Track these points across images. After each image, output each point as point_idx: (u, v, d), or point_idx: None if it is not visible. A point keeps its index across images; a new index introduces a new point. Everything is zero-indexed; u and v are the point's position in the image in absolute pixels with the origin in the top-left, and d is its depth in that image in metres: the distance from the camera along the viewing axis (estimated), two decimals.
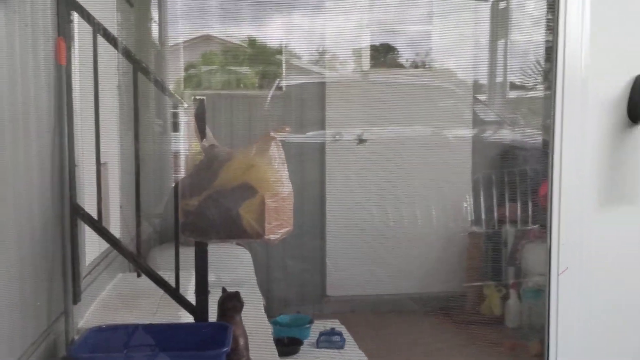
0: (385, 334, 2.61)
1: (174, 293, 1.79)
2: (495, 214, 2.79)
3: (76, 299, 1.68)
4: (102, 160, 1.85)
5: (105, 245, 1.90)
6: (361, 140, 2.85)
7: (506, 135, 3.01)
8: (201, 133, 1.92)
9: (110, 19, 2.15)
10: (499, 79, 3.11)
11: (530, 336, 2.39)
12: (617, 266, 1.27)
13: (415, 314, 2.79)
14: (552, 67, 1.24)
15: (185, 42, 2.72)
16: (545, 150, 1.28)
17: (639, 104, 1.21)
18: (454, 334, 2.58)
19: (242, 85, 3.05)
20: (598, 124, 1.25)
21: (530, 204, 2.65)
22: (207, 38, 2.95)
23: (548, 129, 1.28)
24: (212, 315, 1.80)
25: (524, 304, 2.59)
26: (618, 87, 1.24)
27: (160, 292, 1.82)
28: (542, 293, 1.32)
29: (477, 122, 3.08)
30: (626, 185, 1.26)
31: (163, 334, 1.60)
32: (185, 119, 2.33)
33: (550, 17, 1.30)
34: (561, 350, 1.27)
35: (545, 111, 1.31)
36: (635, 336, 1.28)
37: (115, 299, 2.03)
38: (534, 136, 2.62)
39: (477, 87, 3.17)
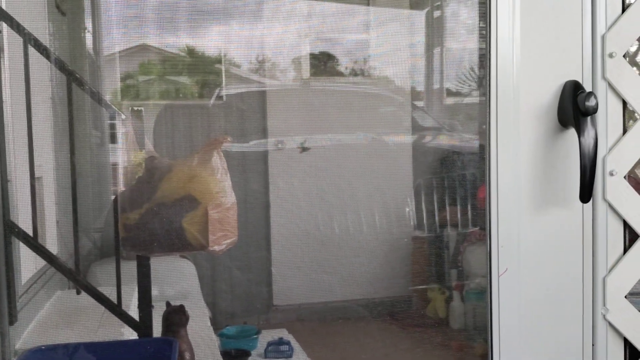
0: (334, 341, 2.61)
1: (116, 309, 1.75)
2: (437, 218, 2.85)
3: (12, 319, 1.62)
4: (37, 174, 1.80)
5: (42, 262, 1.84)
6: (304, 149, 2.86)
7: (445, 140, 3.09)
8: (140, 144, 1.89)
9: (41, 28, 2.09)
10: (436, 86, 3.18)
11: (474, 337, 2.45)
12: (551, 266, 1.32)
13: (363, 319, 2.82)
14: (486, 74, 1.28)
15: (121, 51, 2.67)
16: (482, 155, 1.32)
17: (567, 109, 1.27)
18: (401, 338, 2.61)
19: (181, 95, 3.00)
20: (531, 129, 1.30)
21: (469, 207, 2.72)
22: (143, 47, 2.89)
23: (484, 134, 1.32)
24: (157, 330, 1.77)
25: (468, 305, 2.65)
26: (549, 93, 1.30)
27: (102, 308, 1.77)
28: (484, 294, 1.36)
29: (416, 128, 3.14)
30: (559, 189, 1.31)
31: (106, 352, 1.55)
32: (124, 130, 2.28)
33: (482, 25, 1.35)
34: (504, 348, 1.31)
35: (481, 117, 1.35)
36: (566, 329, 1.33)
37: (54, 318, 1.97)
38: (471, 141, 2.69)
39: (415, 94, 3.24)
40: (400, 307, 2.77)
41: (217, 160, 1.76)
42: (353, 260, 2.89)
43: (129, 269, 1.75)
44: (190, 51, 2.97)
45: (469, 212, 2.73)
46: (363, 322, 2.79)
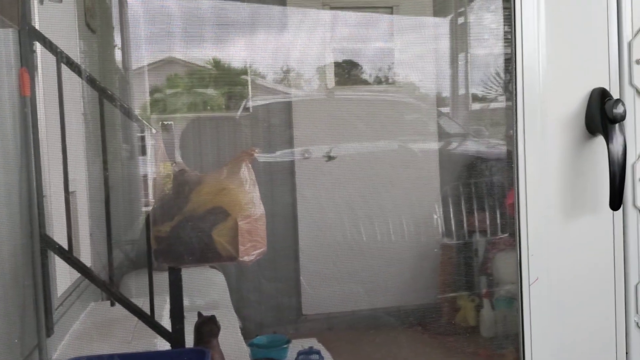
0: (363, 350, 2.61)
1: (149, 320, 1.79)
2: (465, 225, 2.84)
3: (49, 332, 1.66)
4: (71, 189, 1.84)
5: (76, 274, 1.88)
6: (330, 158, 2.88)
7: (471, 146, 3.07)
8: (170, 157, 1.93)
9: (73, 46, 2.15)
10: (461, 92, 3.17)
11: (505, 344, 2.42)
12: (582, 274, 1.31)
13: (392, 328, 2.81)
14: (512, 80, 1.28)
15: (149, 65, 2.72)
16: (509, 161, 1.32)
17: (595, 117, 1.26)
18: (431, 347, 2.60)
19: (208, 107, 3.05)
20: (559, 136, 1.29)
21: (498, 213, 2.70)
22: (170, 61, 2.95)
23: (511, 140, 1.32)
24: (189, 341, 1.80)
25: (498, 313, 2.63)
26: (576, 101, 1.29)
27: (135, 319, 1.80)
28: (514, 301, 1.35)
29: (442, 134, 3.14)
30: (588, 196, 1.30)
31: None
32: (153, 143, 2.33)
33: (507, 29, 1.34)
34: (535, 357, 1.30)
35: (507, 122, 1.35)
36: (599, 338, 1.32)
37: (89, 329, 2.01)
38: (497, 147, 2.68)
39: (440, 100, 3.24)
40: (429, 316, 2.76)
41: (246, 172, 1.79)
42: (381, 269, 2.89)
43: (161, 280, 1.78)
44: (217, 63, 3.01)
45: (498, 219, 2.71)
46: (393, 331, 2.79)
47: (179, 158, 2.17)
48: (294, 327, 2.89)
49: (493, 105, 3.03)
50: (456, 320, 2.78)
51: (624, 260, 1.32)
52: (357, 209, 2.91)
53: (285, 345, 2.58)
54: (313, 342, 2.65)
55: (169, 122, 2.70)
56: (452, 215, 2.86)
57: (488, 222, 2.75)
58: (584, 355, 1.31)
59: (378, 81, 3.37)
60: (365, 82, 3.37)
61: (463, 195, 2.85)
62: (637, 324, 1.32)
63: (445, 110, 3.28)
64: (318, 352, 2.54)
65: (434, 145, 3.07)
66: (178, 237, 1.73)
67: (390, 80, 3.33)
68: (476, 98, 3.18)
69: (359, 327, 2.85)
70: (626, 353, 1.33)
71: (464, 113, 3.23)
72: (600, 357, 1.33)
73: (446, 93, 3.24)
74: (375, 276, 2.87)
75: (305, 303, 2.92)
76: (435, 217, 2.90)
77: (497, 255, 2.68)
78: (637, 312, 1.32)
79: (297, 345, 2.59)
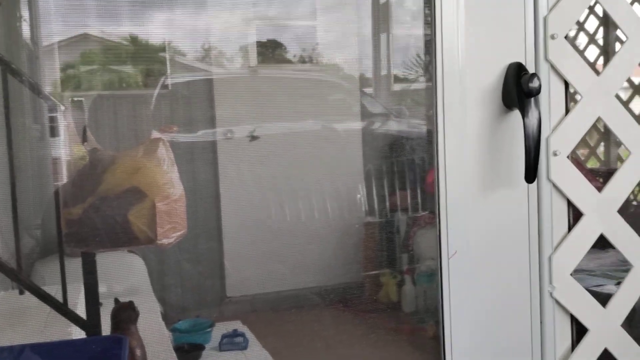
0: (288, 331, 2.61)
1: (62, 308, 1.70)
2: (388, 203, 2.87)
3: None
4: None
5: None
6: (253, 137, 2.83)
7: (393, 126, 3.11)
8: (81, 136, 1.83)
9: None
10: (383, 72, 3.19)
11: (426, 319, 2.48)
12: (499, 247, 1.34)
13: (317, 307, 2.82)
14: (432, 60, 1.28)
15: (60, 41, 2.57)
16: (430, 140, 1.33)
17: (511, 91, 1.28)
18: (355, 324, 2.62)
19: (124, 84, 2.92)
20: (477, 112, 1.31)
21: (419, 192, 2.75)
22: (84, 37, 2.79)
23: (431, 120, 1.32)
24: (106, 329, 1.73)
25: (419, 288, 2.69)
26: (493, 76, 1.31)
27: (48, 308, 1.72)
28: (434, 276, 1.37)
29: (365, 114, 3.15)
30: (504, 170, 1.33)
31: (54, 353, 1.50)
32: (64, 122, 2.20)
33: (427, 11, 1.35)
34: (455, 329, 1.32)
35: (428, 102, 1.35)
36: (515, 308, 1.36)
37: None
38: (419, 126, 2.72)
39: (363, 80, 3.25)
40: (353, 293, 2.78)
41: (163, 151, 1.72)
42: (305, 248, 2.88)
43: (75, 266, 1.70)
44: (133, 40, 2.89)
45: (419, 197, 2.76)
46: (317, 310, 2.80)
47: (91, 136, 2.07)
48: (218, 310, 2.84)
49: (414, 85, 3.07)
50: (379, 297, 2.82)
51: (539, 232, 1.36)
52: (281, 189, 2.88)
53: (209, 329, 2.54)
54: (237, 325, 2.63)
55: (80, 99, 2.57)
56: (374, 194, 2.89)
57: (409, 199, 2.79)
58: (501, 325, 1.35)
59: (302, 60, 3.34)
60: (289, 61, 3.34)
61: (385, 174, 2.88)
62: (551, 293, 1.37)
63: (368, 90, 3.29)
64: (242, 335, 2.52)
65: (357, 125, 3.08)
66: (90, 220, 1.64)
67: (313, 60, 3.31)
68: (398, 78, 3.21)
69: (284, 308, 2.84)
70: (540, 322, 1.38)
71: (386, 93, 3.25)
72: (517, 326, 1.37)
73: (369, 73, 3.26)
74: (299, 256, 2.86)
75: (229, 285, 2.87)
76: (358, 196, 2.92)
77: (418, 232, 2.73)
78: (550, 283, 1.36)
79: (221, 329, 2.55)
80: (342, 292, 2.80)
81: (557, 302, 1.37)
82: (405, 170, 2.81)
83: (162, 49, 2.87)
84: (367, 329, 2.58)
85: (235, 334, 2.50)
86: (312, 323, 2.66)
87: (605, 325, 1.40)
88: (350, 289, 2.84)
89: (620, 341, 1.42)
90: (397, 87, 3.25)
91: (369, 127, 3.13)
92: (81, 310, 1.73)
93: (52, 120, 2.31)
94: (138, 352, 1.72)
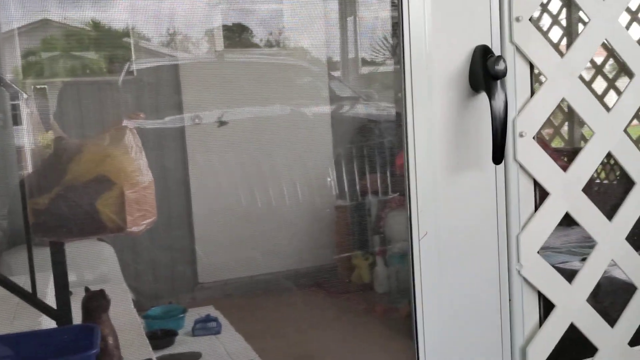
0: (261, 315, 2.62)
1: (31, 298, 1.67)
2: (358, 186, 2.89)
3: None
4: None
5: None
6: (222, 123, 2.81)
7: (362, 109, 3.11)
8: (45, 124, 1.80)
9: None
10: (351, 56, 3.19)
11: (399, 299, 2.51)
12: (468, 227, 1.37)
13: (289, 291, 2.83)
14: (399, 43, 1.28)
15: (20, 27, 2.50)
16: (399, 123, 1.33)
17: (477, 74, 1.30)
18: (328, 307, 2.65)
19: (88, 71, 2.86)
20: (445, 94, 1.32)
21: (389, 174, 2.77)
22: (45, 22, 2.72)
23: (400, 102, 1.33)
24: (77, 318, 1.71)
25: (391, 269, 2.72)
26: (460, 58, 1.32)
27: (16, 298, 1.69)
28: (405, 257, 1.38)
29: (334, 98, 3.15)
30: (472, 151, 1.35)
31: (24, 343, 1.48)
32: (28, 111, 2.16)
33: None
34: (426, 308, 1.35)
35: (396, 85, 1.36)
36: (484, 286, 1.38)
37: None
38: (387, 109, 2.73)
39: (331, 64, 3.24)
40: (325, 276, 2.80)
41: (131, 138, 1.69)
42: (277, 233, 2.89)
43: (45, 255, 1.68)
44: (96, 25, 2.82)
45: (389, 179, 2.78)
46: (290, 294, 2.81)
47: (56, 125, 2.03)
48: (191, 296, 2.83)
49: (382, 68, 3.07)
50: (352, 279, 2.85)
51: (506, 212, 1.39)
52: (251, 174, 2.87)
53: (182, 315, 2.53)
54: (210, 310, 2.63)
55: (43, 87, 2.51)
56: (345, 177, 2.90)
57: (380, 182, 2.81)
58: (471, 303, 1.38)
59: (269, 44, 3.31)
60: (256, 45, 3.30)
61: (355, 158, 2.89)
62: (519, 271, 1.40)
63: (336, 74, 3.29)
64: (215, 319, 2.52)
65: (326, 109, 3.07)
66: (58, 210, 1.61)
67: (281, 43, 3.28)
68: (366, 62, 3.21)
69: (257, 292, 2.84)
70: (509, 299, 1.42)
71: (355, 76, 3.25)
72: (487, 304, 1.40)
73: (337, 57, 3.25)
74: (271, 240, 2.86)
75: (201, 271, 2.87)
76: (328, 179, 2.93)
77: (389, 214, 2.75)
78: (518, 261, 1.39)
79: (194, 314, 2.55)
80: (315, 275, 2.82)
81: (525, 280, 1.40)
82: (375, 153, 2.83)
83: (126, 34, 2.81)
84: (340, 311, 2.61)
85: (208, 319, 2.50)
86: (285, 306, 2.68)
87: (571, 300, 1.44)
88: (323, 271, 2.86)
89: (586, 316, 1.47)
90: (365, 70, 3.26)
91: (338, 110, 3.13)
92: (51, 300, 1.70)
93: (15, 108, 2.25)
94: (110, 340, 1.70)
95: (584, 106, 1.45)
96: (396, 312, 2.47)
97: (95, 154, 1.68)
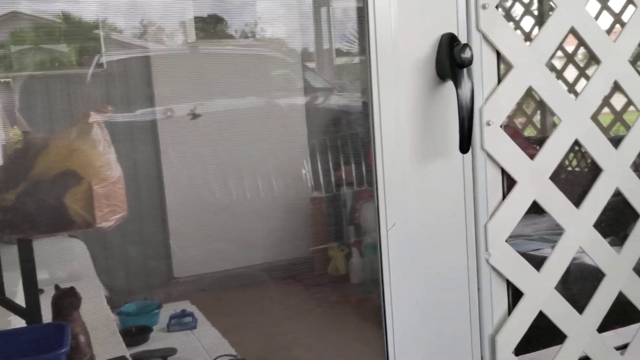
0: (238, 308, 2.61)
1: None
2: (333, 178, 2.88)
3: None
4: None
5: None
6: (195, 115, 2.78)
7: (337, 100, 3.10)
8: (10, 119, 1.76)
9: None
10: (325, 46, 3.17)
11: (373, 289, 2.51)
12: (436, 217, 1.36)
13: (266, 284, 2.82)
14: (364, 31, 1.27)
15: None
16: (365, 112, 1.33)
17: (444, 62, 1.29)
18: (304, 299, 2.64)
19: (57, 64, 2.81)
20: (411, 83, 1.31)
21: (363, 165, 2.76)
22: (13, 15, 2.67)
23: (367, 92, 1.32)
24: (48, 316, 1.69)
25: (366, 260, 2.72)
26: (426, 47, 1.31)
27: None
28: None
29: (308, 89, 3.13)
30: (440, 141, 1.34)
31: None
32: None
33: None
34: (395, 298, 1.34)
35: (364, 75, 1.35)
36: (453, 276, 1.39)
37: None
38: (360, 100, 2.72)
39: (306, 55, 3.22)
40: (302, 268, 2.79)
41: (98, 132, 1.67)
42: (253, 226, 2.87)
43: (13, 253, 1.65)
44: (66, 17, 2.77)
45: (364, 170, 2.77)
46: (266, 287, 2.80)
47: (22, 119, 1.99)
48: (166, 291, 2.81)
49: (357, 59, 3.06)
50: (328, 270, 2.85)
51: (474, 201, 1.39)
52: (226, 167, 2.85)
53: (157, 311, 2.51)
54: (186, 305, 2.61)
55: (8, 80, 2.46)
56: (320, 169, 2.89)
57: (355, 173, 2.81)
58: (441, 292, 1.38)
59: (243, 35, 3.28)
60: (230, 36, 3.27)
61: (330, 149, 2.88)
62: (487, 260, 1.40)
63: (310, 65, 3.26)
64: (191, 314, 2.50)
65: (301, 100, 3.05)
66: (25, 206, 1.59)
67: (255, 35, 3.25)
68: (340, 52, 3.19)
69: (233, 286, 2.83)
70: (478, 288, 1.42)
71: (329, 67, 3.24)
72: (456, 293, 1.40)
73: (311, 48, 3.23)
74: (247, 233, 2.85)
75: (176, 266, 2.84)
76: (303, 171, 2.92)
77: (364, 205, 2.75)
78: (486, 250, 1.40)
79: (169, 310, 2.53)
80: (291, 267, 2.81)
81: (494, 268, 1.40)
82: (349, 144, 2.82)
83: (96, 26, 2.77)
84: (317, 302, 2.60)
85: (184, 314, 2.49)
86: (261, 300, 2.67)
87: (539, 288, 1.44)
88: (299, 264, 2.85)
89: (554, 303, 1.48)
90: (339, 61, 3.24)
91: (312, 102, 3.11)
92: (20, 299, 1.68)
93: None
94: (82, 338, 1.69)
95: (551, 94, 1.45)
96: (371, 302, 2.46)
97: (62, 149, 1.65)
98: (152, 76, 2.76)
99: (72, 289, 1.73)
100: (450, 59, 1.28)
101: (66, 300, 1.70)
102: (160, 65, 2.80)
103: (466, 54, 1.26)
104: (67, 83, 2.66)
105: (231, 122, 2.83)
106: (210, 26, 3.21)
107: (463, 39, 1.33)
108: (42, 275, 1.73)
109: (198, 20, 3.04)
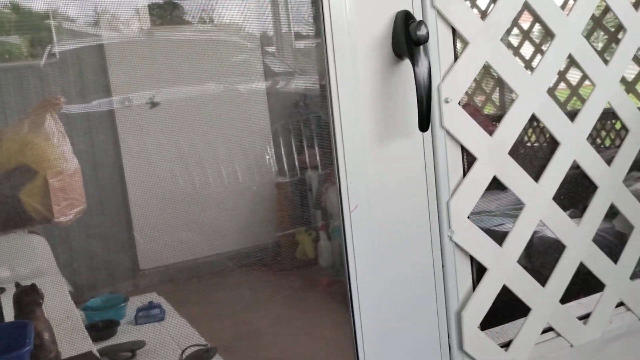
0: (206, 298, 2.59)
1: None
2: (297, 162, 2.87)
3: None
4: None
5: None
6: (153, 104, 2.72)
7: (297, 84, 3.07)
8: None
9: None
10: (284, 29, 3.14)
11: (342, 271, 2.52)
12: (398, 197, 1.36)
13: (234, 271, 2.80)
14: (319, 12, 1.25)
15: None
16: (323, 94, 1.31)
17: (400, 40, 1.28)
18: (273, 284, 2.64)
19: (7, 55, 2.72)
20: (368, 63, 1.30)
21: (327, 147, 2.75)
22: None
23: (324, 74, 1.31)
24: (10, 315, 1.64)
25: (334, 243, 2.72)
26: (382, 25, 1.30)
27: None
28: None
29: (269, 74, 3.10)
30: (399, 120, 1.34)
31: None
32: None
33: None
34: (360, 279, 1.34)
35: (320, 57, 1.33)
36: (417, 254, 1.39)
37: None
38: (319, 83, 2.70)
39: (265, 39, 3.18)
40: (269, 254, 2.78)
41: (52, 124, 1.63)
42: (217, 214, 2.84)
43: None
44: (15, 7, 2.68)
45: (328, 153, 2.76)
46: (234, 275, 2.78)
47: None
48: (132, 283, 2.77)
49: (315, 41, 3.03)
50: (296, 255, 2.84)
51: (435, 179, 1.39)
52: (188, 155, 2.81)
53: (123, 304, 2.47)
54: (153, 297, 2.58)
55: None
56: (283, 154, 2.87)
57: (319, 156, 2.80)
58: (406, 271, 1.38)
59: (201, 21, 3.22)
60: (187, 22, 3.21)
61: (293, 133, 2.86)
62: (450, 237, 1.41)
63: (270, 49, 3.22)
64: (159, 306, 2.47)
65: (261, 85, 3.02)
66: None
67: (213, 20, 3.19)
68: (300, 35, 3.15)
69: (200, 275, 2.80)
70: (442, 266, 1.43)
71: (289, 51, 3.20)
72: (421, 271, 1.41)
73: (270, 31, 3.18)
74: (212, 222, 2.82)
75: (141, 257, 2.80)
76: (267, 157, 2.89)
77: (330, 188, 2.74)
78: (449, 227, 1.40)
79: (136, 302, 2.50)
80: (259, 254, 2.80)
81: (457, 245, 1.41)
82: (313, 127, 2.81)
83: (47, 15, 2.68)
84: (286, 287, 2.60)
85: (151, 306, 2.46)
86: (230, 287, 2.65)
87: (502, 263, 1.46)
88: (267, 250, 2.84)
89: (517, 277, 1.50)
90: (299, 44, 3.21)
91: (273, 86, 3.08)
92: None
93: None
94: (46, 335, 1.65)
95: (507, 69, 1.46)
96: (341, 285, 2.47)
97: (14, 142, 1.61)
98: (107, 65, 2.69)
99: (33, 286, 1.69)
100: (407, 37, 1.27)
101: (28, 297, 1.66)
102: (115, 53, 2.73)
103: (422, 31, 1.25)
104: (18, 75, 2.58)
105: (191, 109, 2.78)
106: (167, 12, 3.14)
107: (418, 16, 1.32)
108: (2, 273, 1.70)
109: (154, 6, 2.98)
